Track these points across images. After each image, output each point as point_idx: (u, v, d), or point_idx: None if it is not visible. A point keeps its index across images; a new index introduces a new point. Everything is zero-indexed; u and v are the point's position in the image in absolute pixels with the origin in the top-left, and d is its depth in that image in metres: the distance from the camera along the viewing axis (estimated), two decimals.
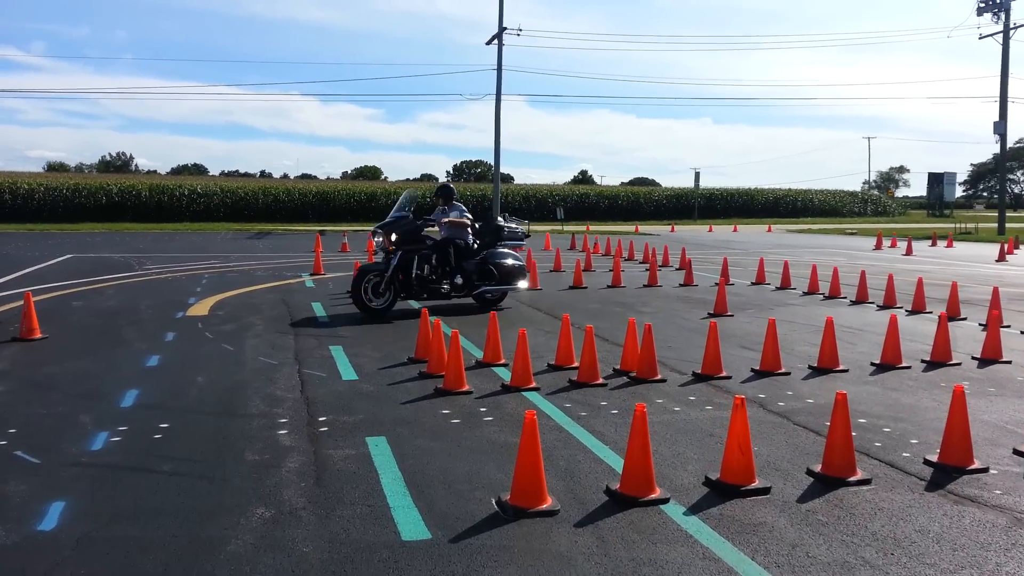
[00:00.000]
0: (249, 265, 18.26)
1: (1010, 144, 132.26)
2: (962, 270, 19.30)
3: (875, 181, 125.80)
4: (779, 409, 6.46)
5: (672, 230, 43.16)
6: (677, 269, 18.30)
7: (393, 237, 10.99)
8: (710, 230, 44.03)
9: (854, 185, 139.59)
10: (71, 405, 6.35)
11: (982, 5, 42.78)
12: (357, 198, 53.61)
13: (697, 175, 60.85)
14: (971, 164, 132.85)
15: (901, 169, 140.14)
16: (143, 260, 19.09)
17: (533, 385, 7.00)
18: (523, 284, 12.01)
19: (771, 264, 19.69)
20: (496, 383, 7.22)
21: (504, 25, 36.21)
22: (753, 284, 15.42)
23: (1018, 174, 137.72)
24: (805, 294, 13.95)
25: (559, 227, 41.03)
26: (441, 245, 11.55)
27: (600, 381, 7.19)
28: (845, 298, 13.37)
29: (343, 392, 6.83)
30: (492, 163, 40.50)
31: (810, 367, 8.00)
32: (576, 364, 7.80)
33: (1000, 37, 42.56)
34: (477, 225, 12.18)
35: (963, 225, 43.11)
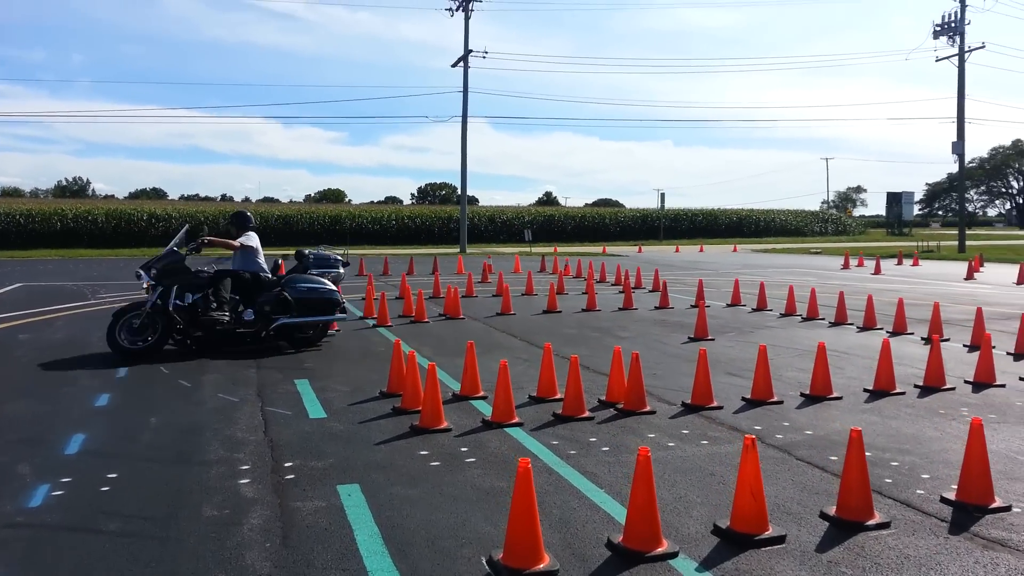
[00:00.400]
0: None
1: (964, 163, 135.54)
2: (934, 289, 19.30)
3: (833, 201, 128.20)
4: (778, 443, 6.09)
5: (639, 251, 43.13)
6: (651, 291, 18.03)
7: (152, 272, 9.72)
8: (677, 250, 44.10)
9: (813, 205, 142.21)
10: (9, 453, 5.74)
11: (938, 28, 43.75)
12: (321, 221, 52.93)
13: (662, 196, 61.43)
14: (926, 183, 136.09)
15: (858, 189, 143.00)
16: (97, 288, 18.29)
17: (516, 420, 6.55)
18: (337, 316, 10.49)
19: (745, 285, 19.54)
20: (476, 418, 6.76)
21: (470, 48, 36.05)
22: (729, 306, 15.17)
23: (971, 193, 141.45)
24: (783, 315, 13.72)
25: (527, 249, 40.73)
26: (220, 276, 10.14)
27: (586, 414, 6.77)
28: (824, 319, 13.15)
29: (310, 432, 6.31)
30: (457, 185, 40.19)
31: (802, 394, 7.67)
32: (559, 396, 7.38)
33: (956, 60, 43.56)
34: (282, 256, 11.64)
35: (925, 243, 43.73)
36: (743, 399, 7.46)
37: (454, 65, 37.54)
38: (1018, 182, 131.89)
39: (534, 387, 7.86)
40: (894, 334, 11.62)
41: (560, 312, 14.12)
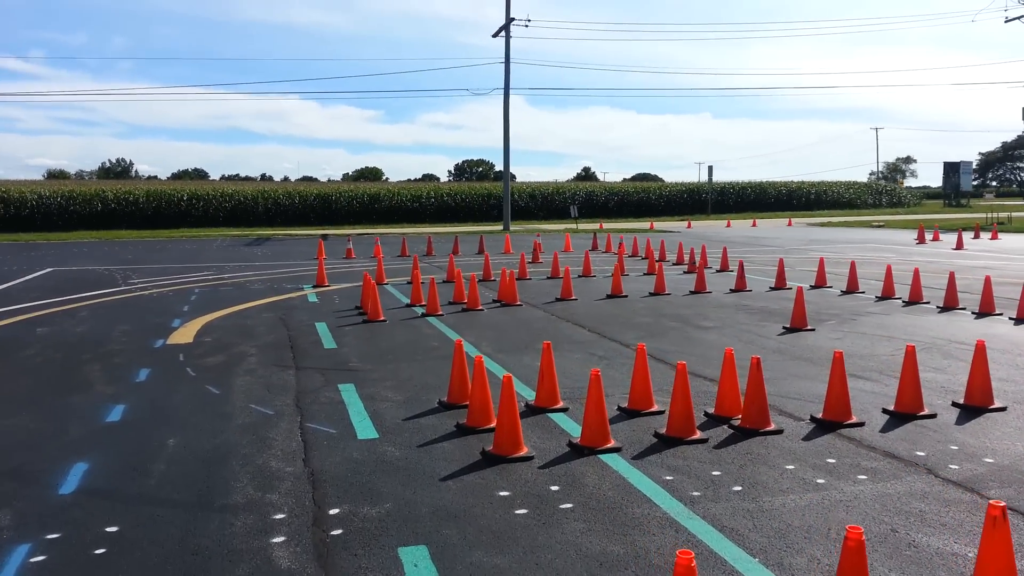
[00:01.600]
0: (245, 276, 16.53)
1: (1018, 132, 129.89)
2: None
3: (882, 172, 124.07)
4: (957, 477, 4.72)
5: (689, 226, 41.37)
6: (718, 271, 16.54)
7: None
8: (728, 225, 42.22)
9: (860, 176, 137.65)
10: None
11: None
12: (359, 200, 51.93)
13: (710, 169, 59.22)
14: (979, 153, 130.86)
15: (908, 159, 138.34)
16: (129, 273, 17.37)
17: (612, 444, 5.26)
18: None
19: (814, 263, 17.95)
20: (559, 439, 5.48)
21: (512, 16, 34.44)
22: (814, 287, 13.65)
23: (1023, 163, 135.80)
24: (880, 299, 12.18)
25: (573, 225, 39.25)
26: None
27: (697, 435, 5.45)
28: (929, 303, 11.61)
29: (361, 461, 5.09)
30: (494, 161, 38.80)
31: (955, 404, 6.26)
32: (656, 408, 6.07)
33: None
34: None
35: (995, 215, 41.23)
36: (885, 412, 6.07)
37: (495, 35, 35.98)
38: None
39: (619, 394, 6.56)
40: (1020, 320, 10.07)
41: (626, 297, 12.74)
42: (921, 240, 25.23)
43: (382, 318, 10.51)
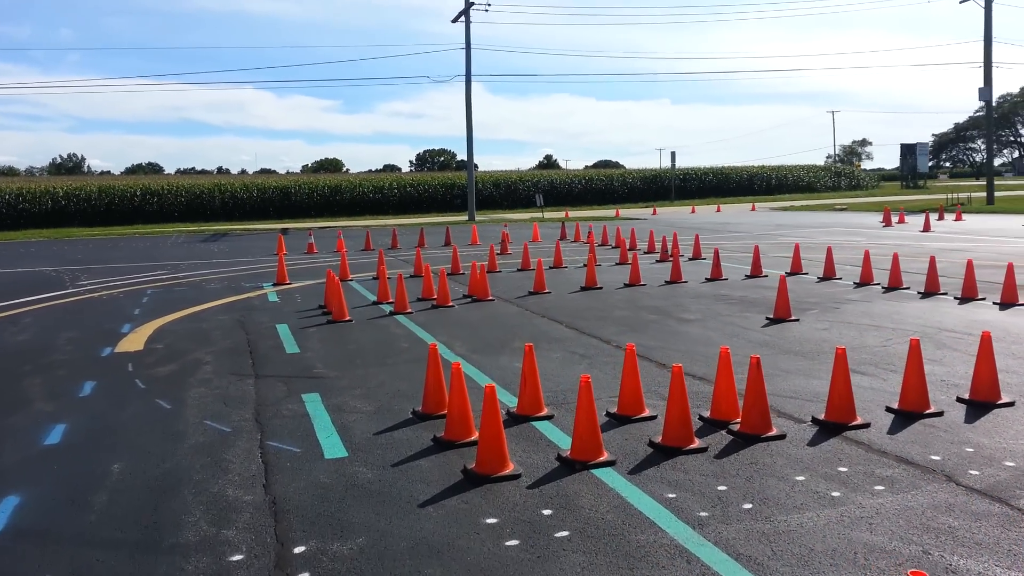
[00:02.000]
0: (201, 275, 15.81)
1: (970, 113, 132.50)
2: (1004, 247, 17.49)
3: (839, 155, 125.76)
4: (980, 484, 4.36)
5: (654, 212, 41.21)
6: (691, 259, 16.22)
7: None
8: (693, 211, 42.16)
9: (817, 159, 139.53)
10: None
11: None
12: (320, 192, 50.90)
13: (672, 155, 59.26)
14: (933, 135, 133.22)
15: (864, 142, 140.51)
16: (78, 274, 16.51)
17: (605, 457, 4.82)
18: None
19: (786, 248, 17.75)
20: (546, 452, 5.03)
21: (471, 0, 33.77)
22: (791, 274, 13.37)
23: (978, 143, 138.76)
24: (858, 285, 11.93)
25: (539, 214, 38.81)
26: None
27: (696, 444, 5.03)
28: (909, 288, 11.38)
29: (329, 486, 4.59)
30: (455, 151, 38.14)
31: (959, 400, 5.93)
32: (647, 413, 5.65)
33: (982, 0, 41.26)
34: None
35: (955, 195, 41.74)
36: (889, 410, 5.72)
37: (455, 20, 35.28)
38: None
39: (607, 396, 6.13)
40: (1005, 305, 9.86)
41: (601, 288, 12.34)
42: (888, 223, 25.26)
43: (348, 318, 9.96)
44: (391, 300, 11.17)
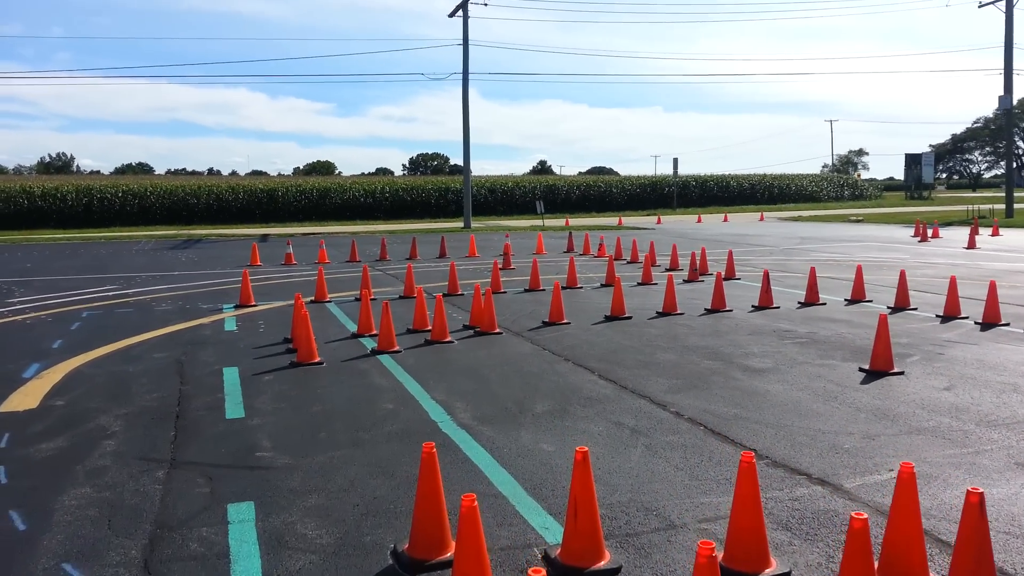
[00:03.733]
0: (155, 292, 13.58)
1: (968, 124, 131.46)
2: None
3: (836, 164, 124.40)
4: None
5: (659, 222, 39.16)
6: (725, 278, 14.06)
7: None
8: (699, 220, 40.13)
9: (813, 169, 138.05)
10: None
11: None
12: (308, 195, 48.69)
13: (675, 162, 57.41)
14: (929, 145, 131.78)
15: (860, 152, 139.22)
16: (13, 288, 14.25)
17: None
18: None
19: (828, 267, 15.65)
20: None
21: None
22: (850, 301, 11.26)
23: (975, 154, 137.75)
24: (944, 319, 9.81)
25: (539, 222, 36.71)
26: None
27: None
28: (1009, 324, 9.28)
29: None
30: (449, 155, 36.07)
31: None
32: (774, 569, 3.48)
33: (1003, 4, 39.51)
34: None
35: (974, 208, 39.84)
36: None
37: (452, 14, 33.14)
38: (1021, 143, 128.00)
39: (689, 512, 3.97)
40: None
41: (631, 319, 10.17)
42: (923, 237, 23.20)
43: (317, 359, 7.76)
44: (375, 332, 8.99)
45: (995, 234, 24.58)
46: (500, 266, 16.50)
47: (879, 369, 7.12)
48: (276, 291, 13.35)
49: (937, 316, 9.99)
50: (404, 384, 6.90)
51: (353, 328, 9.56)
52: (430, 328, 9.08)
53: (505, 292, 12.77)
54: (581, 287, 13.28)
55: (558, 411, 6.01)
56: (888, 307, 10.72)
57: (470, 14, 32.69)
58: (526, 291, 12.95)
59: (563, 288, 13.09)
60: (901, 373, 7.08)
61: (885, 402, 6.19)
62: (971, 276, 13.97)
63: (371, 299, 11.94)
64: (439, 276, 14.82)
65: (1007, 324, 9.32)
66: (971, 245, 20.28)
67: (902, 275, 10.87)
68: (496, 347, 8.55)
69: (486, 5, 32.43)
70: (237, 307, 11.43)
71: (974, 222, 24.07)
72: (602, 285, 13.38)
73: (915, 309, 10.55)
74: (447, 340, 8.76)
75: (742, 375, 7.10)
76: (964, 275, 14.10)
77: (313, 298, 11.98)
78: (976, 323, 9.48)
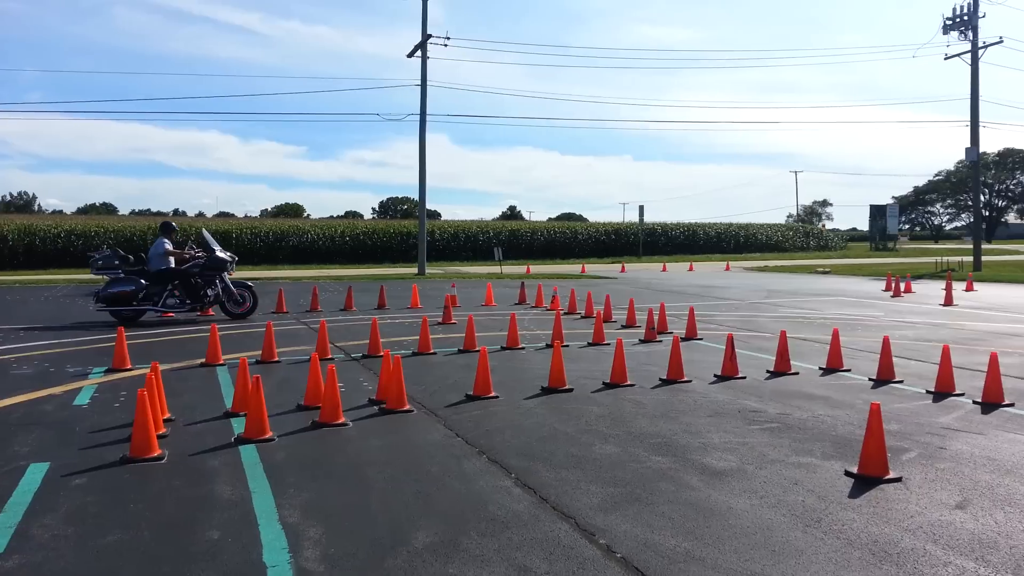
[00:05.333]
0: (29, 350, 11.75)
1: (929, 177, 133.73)
2: None
3: (800, 215, 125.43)
4: None
5: (623, 270, 37.95)
6: (684, 339, 12.58)
7: None
8: (664, 269, 39.02)
9: (778, 219, 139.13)
10: None
11: (949, 23, 39.77)
12: (263, 238, 46.95)
13: (641, 209, 56.61)
14: (892, 197, 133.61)
15: (824, 203, 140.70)
16: None
17: None
18: None
19: (799, 325, 14.25)
20: None
21: (428, 32, 30.57)
22: (825, 372, 9.80)
23: (937, 206, 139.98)
24: (936, 395, 8.36)
25: (497, 269, 35.23)
26: None
27: None
28: (1013, 405, 7.85)
29: None
30: (417, 200, 34.47)
31: None
32: None
33: (968, 57, 39.46)
34: None
35: (943, 260, 39.20)
36: None
37: (410, 55, 31.98)
38: (984, 195, 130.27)
39: None
40: None
41: (572, 391, 8.58)
42: (895, 292, 22.03)
43: (156, 453, 6.05)
44: (245, 411, 7.28)
45: (969, 289, 23.54)
46: (438, 320, 14.89)
47: (871, 474, 5.58)
48: (170, 350, 11.59)
49: (928, 392, 8.54)
50: (253, 495, 5.21)
51: (228, 403, 7.84)
52: (320, 407, 7.39)
53: (435, 353, 11.14)
54: (523, 348, 11.69)
55: (446, 545, 4.37)
56: (870, 378, 9.27)
57: (430, 55, 31.58)
58: (460, 351, 11.34)
59: (502, 349, 11.51)
60: (899, 480, 5.56)
61: (884, 529, 4.64)
62: (956, 339, 12.64)
63: (244, 368, 10.27)
64: (365, 330, 13.18)
65: (1011, 404, 7.89)
66: (947, 302, 19.11)
67: (885, 342, 9.43)
68: (398, 433, 6.90)
69: (446, 46, 31.36)
70: (108, 371, 9.65)
71: (947, 277, 23.00)
72: (547, 346, 11.82)
73: (900, 381, 9.11)
74: (339, 422, 7.09)
75: (698, 480, 5.52)
76: (949, 337, 12.77)
77: (204, 360, 10.25)
78: (975, 402, 8.04)
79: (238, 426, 6.94)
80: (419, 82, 31.60)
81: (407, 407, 7.67)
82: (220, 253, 14.97)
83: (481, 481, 5.52)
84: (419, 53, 31.24)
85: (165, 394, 7.76)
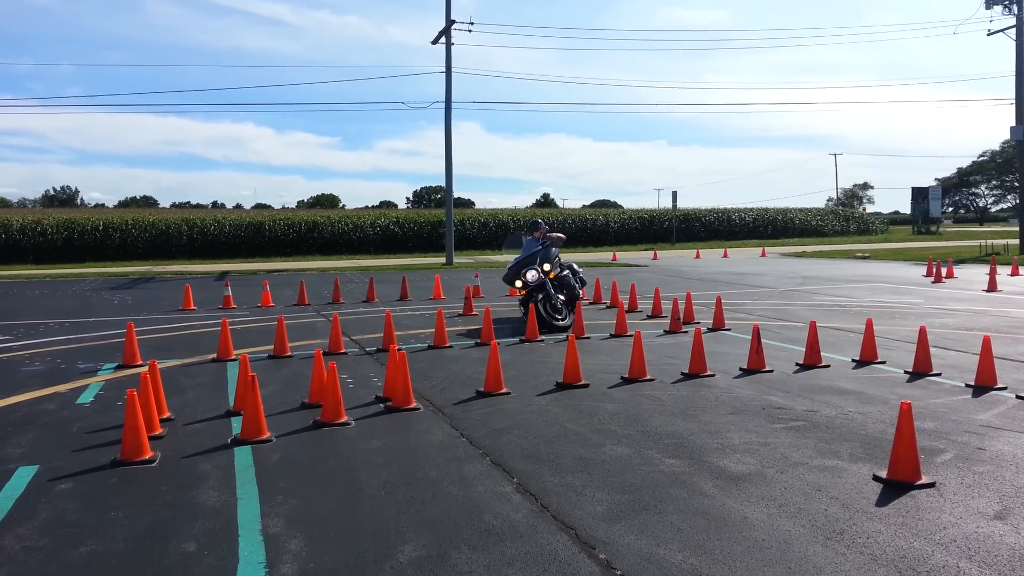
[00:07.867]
0: (46, 345, 11.71)
1: (974, 157, 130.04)
2: None
3: (840, 198, 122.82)
4: None
5: (655, 257, 37.34)
6: (710, 330, 12.14)
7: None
8: (697, 256, 38.29)
9: (817, 203, 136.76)
10: None
11: None
12: (296, 229, 47.07)
13: (674, 195, 55.82)
14: (935, 179, 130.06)
15: (865, 186, 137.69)
16: None
17: None
18: None
19: (830, 313, 13.69)
20: None
21: (452, 18, 30.20)
22: (858, 363, 9.32)
23: (982, 188, 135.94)
24: (976, 389, 7.84)
25: None
26: None
27: None
28: None
29: None
30: (445, 187, 34.21)
31: None
32: None
33: (1013, 32, 38.01)
34: None
35: (987, 243, 37.92)
36: None
37: (435, 41, 31.68)
38: None
39: None
40: None
41: (587, 387, 8.23)
42: (936, 277, 21.23)
43: (147, 456, 5.84)
44: (242, 410, 7.05)
45: (1015, 273, 22.62)
46: (459, 312, 14.61)
47: (901, 479, 5.16)
48: (183, 345, 11.46)
49: (967, 386, 8.03)
50: (239, 502, 4.96)
51: (231, 401, 7.63)
52: (322, 405, 7.13)
53: (451, 346, 10.86)
54: (542, 340, 11.36)
55: (432, 560, 4.08)
56: (905, 371, 8.77)
57: (455, 41, 31.24)
58: (476, 344, 11.05)
59: (520, 342, 11.19)
60: (932, 485, 5.13)
61: (913, 543, 4.23)
62: (999, 327, 12.03)
63: (287, 355, 10.08)
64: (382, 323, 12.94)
65: None
66: (991, 287, 18.33)
67: (922, 332, 8.91)
68: (400, 432, 6.62)
69: (470, 31, 30.99)
70: (119, 367, 9.53)
71: (991, 261, 22.12)
72: (566, 338, 11.45)
73: (938, 375, 8.59)
74: (342, 421, 6.83)
75: (713, 486, 5.15)
76: (991, 326, 12.16)
77: (215, 356, 10.09)
78: (1018, 397, 7.52)
79: (238, 426, 6.71)
80: (444, 69, 31.29)
81: (413, 404, 7.39)
82: None
83: (480, 487, 5.21)
84: (443, 40, 30.92)
85: (168, 392, 7.60)
